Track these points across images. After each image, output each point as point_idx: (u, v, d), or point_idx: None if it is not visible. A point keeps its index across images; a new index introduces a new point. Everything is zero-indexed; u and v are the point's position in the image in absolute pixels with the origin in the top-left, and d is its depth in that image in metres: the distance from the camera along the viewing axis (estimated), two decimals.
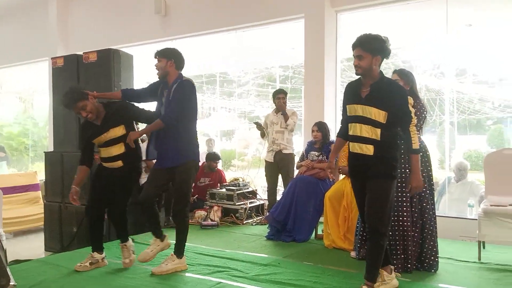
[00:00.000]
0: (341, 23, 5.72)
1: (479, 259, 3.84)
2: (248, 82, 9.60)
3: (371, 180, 2.94)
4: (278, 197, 5.38)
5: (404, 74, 3.76)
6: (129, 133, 3.47)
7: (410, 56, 7.75)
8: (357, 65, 2.90)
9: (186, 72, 3.62)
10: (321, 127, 4.90)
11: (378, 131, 2.89)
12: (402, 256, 3.53)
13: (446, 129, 7.69)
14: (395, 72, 3.81)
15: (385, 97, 2.89)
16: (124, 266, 3.70)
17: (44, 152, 5.59)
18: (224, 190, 5.82)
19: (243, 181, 6.15)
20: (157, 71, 3.51)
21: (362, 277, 3.03)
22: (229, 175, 6.78)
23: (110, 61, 4.84)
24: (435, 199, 6.28)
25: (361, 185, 3.03)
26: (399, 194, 3.56)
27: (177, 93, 3.41)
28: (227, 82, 9.36)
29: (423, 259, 3.57)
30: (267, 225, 4.94)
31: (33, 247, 5.70)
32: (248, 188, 5.97)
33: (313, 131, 4.94)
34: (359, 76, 3.00)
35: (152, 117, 3.63)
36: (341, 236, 4.30)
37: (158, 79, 3.60)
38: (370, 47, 2.85)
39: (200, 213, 5.60)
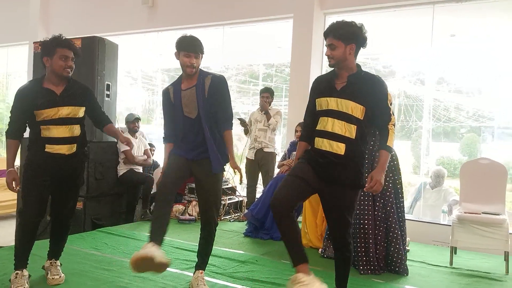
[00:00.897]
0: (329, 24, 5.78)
1: (451, 264, 3.96)
2: (230, 78, 9.59)
3: (340, 188, 2.58)
4: (258, 195, 5.40)
5: None
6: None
7: (391, 61, 7.91)
8: (329, 55, 2.58)
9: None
10: None
11: (353, 128, 2.54)
12: (364, 258, 3.63)
13: (424, 135, 7.87)
14: None
15: (363, 89, 2.56)
16: (52, 283, 3.13)
17: None
18: None
19: (223, 177, 6.14)
20: (191, 69, 2.93)
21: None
22: None
23: (94, 49, 4.78)
24: (410, 203, 6.45)
25: (318, 183, 2.60)
26: (361, 197, 3.63)
27: (225, 91, 3.04)
28: None
29: (389, 262, 3.67)
30: (245, 222, 4.96)
31: (3, 234, 5.60)
32: (227, 185, 5.97)
33: (296, 131, 4.98)
34: (331, 69, 2.69)
35: (100, 118, 3.23)
36: (318, 236, 4.35)
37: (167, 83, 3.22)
38: (343, 34, 2.54)
39: (178, 207, 5.58)
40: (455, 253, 4.16)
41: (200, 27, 6.62)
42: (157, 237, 2.71)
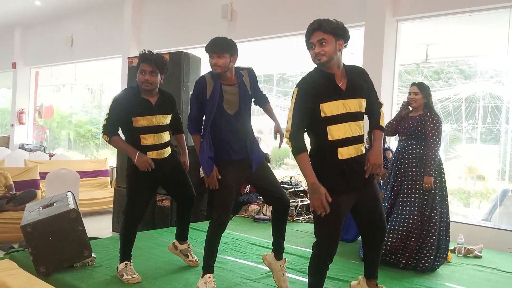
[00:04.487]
0: (401, 31, 5.81)
1: None
2: None
3: (370, 183, 2.61)
4: None
5: (423, 88, 3.94)
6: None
7: (476, 63, 7.75)
8: (320, 52, 2.42)
9: None
10: None
11: (362, 124, 2.54)
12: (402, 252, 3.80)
13: (509, 139, 7.53)
14: (414, 84, 3.99)
15: (360, 82, 2.54)
16: (196, 265, 3.66)
17: None
18: None
19: (295, 179, 6.41)
20: (216, 69, 2.96)
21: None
22: (281, 173, 7.05)
23: (180, 63, 5.23)
24: (489, 210, 6.28)
25: (351, 198, 2.57)
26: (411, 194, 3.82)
27: (256, 79, 3.20)
28: (284, 81, 9.64)
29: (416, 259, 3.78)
30: None
31: (101, 227, 6.22)
32: (299, 187, 6.22)
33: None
34: (313, 70, 2.56)
35: (176, 124, 3.56)
36: None
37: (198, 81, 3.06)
38: (334, 28, 2.42)
39: (254, 207, 5.94)
40: None
41: (275, 37, 6.96)
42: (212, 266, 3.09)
